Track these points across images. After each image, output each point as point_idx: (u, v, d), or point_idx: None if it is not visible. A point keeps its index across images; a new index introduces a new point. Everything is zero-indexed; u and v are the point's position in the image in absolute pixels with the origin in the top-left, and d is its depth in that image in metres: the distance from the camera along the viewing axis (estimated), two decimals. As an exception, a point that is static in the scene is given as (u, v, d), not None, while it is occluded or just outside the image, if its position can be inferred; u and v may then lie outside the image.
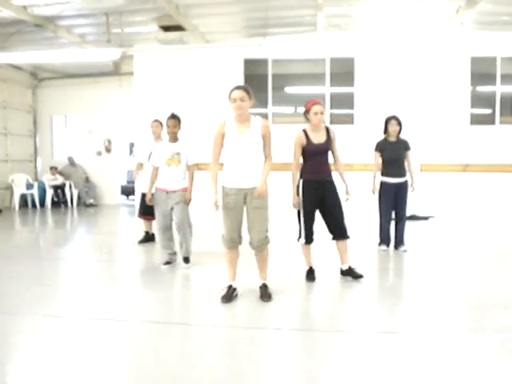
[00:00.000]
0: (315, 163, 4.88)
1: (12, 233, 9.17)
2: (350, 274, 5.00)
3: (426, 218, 9.75)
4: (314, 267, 5.03)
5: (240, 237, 4.30)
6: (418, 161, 10.10)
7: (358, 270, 5.01)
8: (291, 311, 4.08)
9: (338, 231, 4.96)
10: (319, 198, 4.87)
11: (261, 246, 4.26)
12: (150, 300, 4.53)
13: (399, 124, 6.36)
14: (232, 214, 4.22)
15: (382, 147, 6.40)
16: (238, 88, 4.17)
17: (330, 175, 4.93)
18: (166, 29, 9.47)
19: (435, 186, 10.23)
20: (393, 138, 6.39)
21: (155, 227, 6.13)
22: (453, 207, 10.15)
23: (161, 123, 6.97)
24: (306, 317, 4.07)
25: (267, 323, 3.81)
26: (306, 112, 4.90)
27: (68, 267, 5.98)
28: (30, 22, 8.93)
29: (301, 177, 4.92)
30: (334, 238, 5.00)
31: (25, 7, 8.44)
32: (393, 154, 6.33)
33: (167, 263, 5.62)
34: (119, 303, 4.35)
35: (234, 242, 4.27)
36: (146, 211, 6.72)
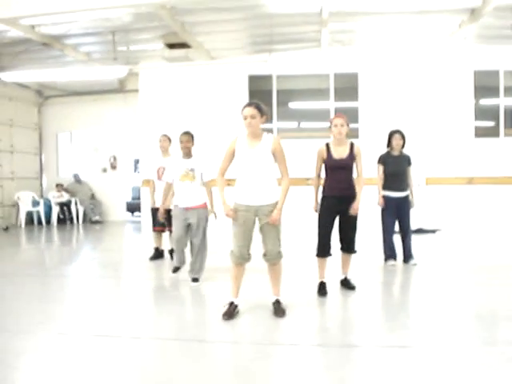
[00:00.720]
0: (335, 178, 4.91)
1: (18, 250, 9.17)
2: (344, 284, 5.16)
3: (432, 232, 9.72)
4: (325, 281, 5.02)
5: (249, 254, 4.28)
6: (423, 174, 10.13)
7: (353, 282, 5.15)
8: (305, 326, 4.05)
9: (347, 245, 5.05)
10: (337, 213, 4.92)
11: (274, 260, 4.25)
12: (160, 317, 4.51)
13: (403, 138, 6.38)
14: (242, 231, 4.21)
15: (384, 160, 6.41)
16: (249, 105, 4.16)
17: (351, 190, 4.90)
18: (172, 46, 9.57)
19: (441, 199, 10.23)
20: (396, 152, 6.40)
21: (171, 238, 6.09)
22: (459, 220, 10.13)
23: (169, 138, 7.02)
24: (320, 332, 4.04)
25: (282, 339, 3.78)
26: (330, 125, 4.96)
27: (76, 284, 5.96)
28: (37, 40, 9.04)
29: (322, 191, 4.98)
30: (341, 250, 5.10)
31: (32, 26, 8.56)
32: (395, 168, 6.34)
33: (176, 269, 5.66)
34: (130, 320, 4.33)
35: (243, 259, 4.25)
36: (159, 223, 6.70)
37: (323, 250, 4.96)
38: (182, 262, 5.70)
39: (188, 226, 5.49)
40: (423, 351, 3.41)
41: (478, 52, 10.20)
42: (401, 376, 3.03)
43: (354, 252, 5.09)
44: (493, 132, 10.53)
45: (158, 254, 7.11)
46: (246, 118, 4.11)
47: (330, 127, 4.98)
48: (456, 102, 10.42)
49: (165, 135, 7.05)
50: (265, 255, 4.28)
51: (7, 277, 6.20)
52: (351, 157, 4.92)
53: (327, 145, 5.00)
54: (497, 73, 10.36)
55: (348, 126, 4.93)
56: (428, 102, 10.42)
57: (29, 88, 12.80)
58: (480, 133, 10.50)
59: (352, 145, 4.97)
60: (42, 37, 8.97)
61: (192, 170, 5.47)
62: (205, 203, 5.50)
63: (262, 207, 4.16)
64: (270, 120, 10.76)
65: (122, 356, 3.47)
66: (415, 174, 6.79)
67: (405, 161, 6.42)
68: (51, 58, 10.43)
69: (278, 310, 4.27)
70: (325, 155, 4.96)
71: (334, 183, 4.91)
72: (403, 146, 6.41)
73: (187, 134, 5.60)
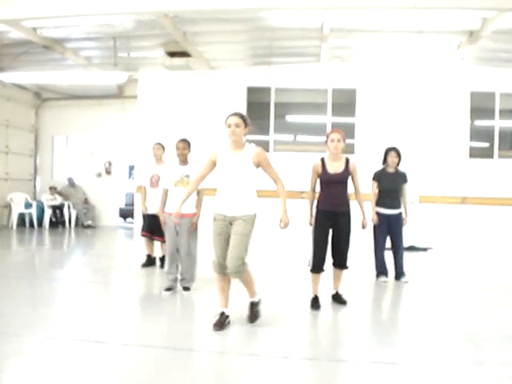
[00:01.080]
0: (330, 193, 4.93)
1: (9, 252, 9.10)
2: (336, 299, 5.16)
3: (424, 250, 9.75)
4: (318, 295, 5.02)
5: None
6: (417, 192, 10.18)
7: (344, 297, 5.16)
8: (295, 339, 4.04)
9: (339, 261, 5.06)
10: (330, 227, 4.95)
11: (235, 274, 4.12)
12: (149, 324, 4.49)
13: (398, 156, 6.42)
14: (219, 240, 4.18)
15: (379, 177, 6.44)
16: (233, 114, 4.20)
17: (345, 206, 4.92)
18: (172, 54, 9.62)
19: (434, 217, 10.28)
20: (391, 169, 6.44)
21: (162, 247, 6.07)
22: (451, 239, 10.17)
23: (162, 146, 7.06)
24: (310, 345, 4.03)
25: (271, 351, 3.76)
26: (326, 140, 4.98)
27: (66, 289, 5.93)
28: (38, 43, 9.06)
29: (317, 206, 4.99)
30: (333, 265, 5.10)
31: (34, 29, 8.58)
32: (389, 185, 6.37)
33: (168, 289, 5.50)
34: (118, 327, 4.30)
35: (222, 268, 4.17)
36: (149, 229, 6.76)
37: (317, 266, 4.96)
38: (174, 276, 5.60)
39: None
40: (412, 368, 3.41)
41: (475, 73, 10.30)
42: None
43: (346, 268, 5.10)
44: (487, 153, 10.63)
45: (150, 262, 7.09)
46: (230, 127, 4.13)
47: (326, 142, 5.00)
48: (452, 122, 10.52)
49: (158, 143, 7.09)
50: (227, 268, 4.12)
51: (-3, 278, 6.16)
52: (346, 172, 4.95)
53: (322, 160, 5.02)
54: (493, 95, 10.48)
55: (344, 141, 4.96)
56: (424, 121, 10.51)
57: (27, 90, 12.78)
58: (474, 153, 10.59)
59: (347, 160, 5.00)
60: (44, 39, 8.99)
61: (187, 176, 5.48)
62: (193, 213, 5.48)
63: (236, 218, 4.11)
64: (266, 132, 10.82)
65: (110, 362, 3.44)
66: (410, 191, 6.82)
67: (400, 178, 6.45)
68: (51, 61, 10.44)
69: (251, 314, 4.28)
70: (320, 170, 4.99)
71: (328, 198, 4.93)
72: (398, 164, 6.45)
73: (184, 141, 5.65)
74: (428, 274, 7.38)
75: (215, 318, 4.21)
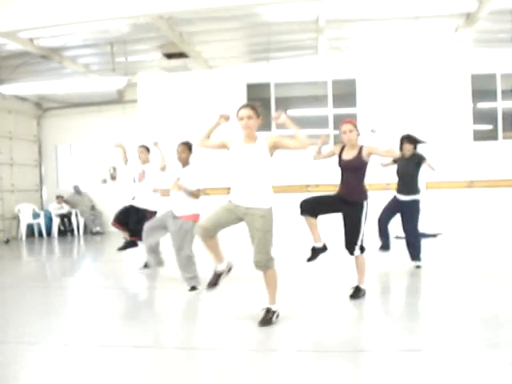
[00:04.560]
0: (344, 181, 4.97)
1: (20, 263, 9.15)
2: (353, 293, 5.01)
3: (434, 236, 9.71)
4: (317, 246, 4.92)
5: (215, 231, 4.09)
6: (424, 179, 10.14)
7: (357, 293, 4.99)
8: (310, 332, 4.04)
9: (346, 246, 4.95)
10: (339, 210, 4.92)
11: (261, 267, 4.13)
12: (163, 325, 4.50)
13: (411, 142, 6.44)
14: (221, 212, 4.11)
15: (398, 161, 6.45)
16: (245, 106, 4.14)
17: (355, 195, 4.88)
18: (170, 56, 9.63)
19: (441, 203, 10.22)
20: (407, 155, 6.46)
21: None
22: (460, 224, 10.12)
23: (146, 148, 7.11)
24: (326, 337, 4.02)
25: (286, 345, 3.77)
26: (340, 131, 5.03)
27: (78, 295, 5.95)
28: (36, 53, 9.09)
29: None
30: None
31: (31, 39, 8.60)
32: (401, 171, 6.46)
33: (146, 265, 5.99)
34: (132, 330, 4.32)
35: (205, 230, 4.06)
36: (121, 221, 6.89)
37: (308, 210, 4.88)
38: (157, 262, 5.88)
39: (164, 229, 5.65)
40: (427, 354, 3.40)
41: (475, 56, 10.24)
42: (406, 378, 3.02)
43: (352, 254, 4.95)
44: (491, 135, 10.56)
45: (127, 244, 7.01)
46: (242, 119, 4.07)
47: (340, 134, 5.02)
48: (454, 106, 10.45)
49: (142, 146, 7.16)
50: (253, 261, 4.15)
51: (9, 289, 6.19)
52: (358, 159, 4.89)
53: (343, 147, 5.06)
54: (494, 76, 10.39)
55: (357, 129, 4.96)
56: (426, 107, 10.45)
57: (28, 100, 12.83)
58: (478, 136, 10.52)
59: (361, 148, 4.95)
60: (41, 49, 9.02)
61: (178, 179, 5.61)
62: (191, 215, 5.53)
63: (250, 210, 4.04)
64: (268, 128, 10.80)
65: (126, 365, 3.46)
66: (431, 164, 6.81)
67: (413, 164, 6.44)
68: (50, 71, 10.48)
69: (263, 319, 4.15)
70: (337, 152, 5.07)
71: (342, 186, 4.98)
72: (415, 148, 6.48)
73: (183, 144, 5.74)
74: (439, 260, 7.35)
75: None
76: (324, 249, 4.95)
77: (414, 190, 6.38)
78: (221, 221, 4.10)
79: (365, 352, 3.56)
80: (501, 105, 10.46)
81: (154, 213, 6.65)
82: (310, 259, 4.96)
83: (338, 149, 5.10)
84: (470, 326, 4.10)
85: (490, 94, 10.48)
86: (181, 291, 5.58)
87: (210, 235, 4.08)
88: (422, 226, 9.39)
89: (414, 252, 6.43)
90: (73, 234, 12.62)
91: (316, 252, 4.93)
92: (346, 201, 4.89)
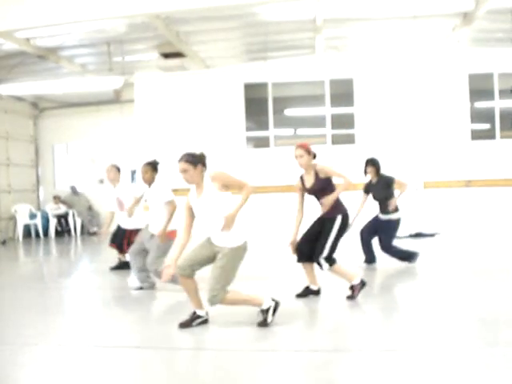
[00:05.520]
0: (318, 202, 4.96)
1: (17, 263, 9.12)
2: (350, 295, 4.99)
3: (431, 235, 9.72)
4: (311, 287, 5.07)
5: (192, 270, 4.09)
6: (421, 178, 10.16)
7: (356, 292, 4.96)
8: (310, 332, 4.03)
9: (313, 258, 4.89)
10: (319, 228, 4.95)
11: (215, 304, 4.00)
12: (158, 326, 4.47)
13: (373, 165, 6.61)
14: (198, 249, 4.15)
15: (367, 189, 6.70)
16: (179, 160, 4.03)
17: (331, 212, 4.86)
18: (167, 56, 9.61)
19: (439, 202, 10.24)
20: (374, 180, 6.66)
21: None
22: (458, 223, 10.13)
23: (116, 167, 6.89)
24: (326, 338, 4.01)
25: (276, 345, 3.76)
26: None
27: (75, 296, 5.94)
28: (33, 53, 9.05)
29: None
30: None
31: (27, 39, 8.56)
32: (374, 194, 6.65)
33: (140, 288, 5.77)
34: (128, 330, 4.30)
35: (181, 270, 4.06)
36: (117, 241, 7.03)
37: (298, 257, 4.99)
38: (149, 283, 5.79)
39: (145, 251, 5.65)
40: (425, 353, 3.39)
41: (472, 55, 10.25)
42: (401, 377, 3.01)
43: (315, 261, 4.87)
44: (489, 134, 10.57)
45: (121, 265, 7.15)
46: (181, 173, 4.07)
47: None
48: (451, 106, 10.46)
49: (112, 165, 6.91)
50: (207, 300, 4.04)
51: (6, 290, 6.16)
52: (318, 182, 4.86)
53: (301, 177, 5.02)
54: (491, 75, 10.41)
55: (309, 153, 4.84)
56: (424, 106, 10.45)
57: (24, 100, 12.79)
58: (476, 135, 10.53)
59: (315, 170, 4.87)
60: (37, 49, 8.98)
61: (148, 199, 5.76)
62: (168, 232, 5.50)
63: (217, 248, 4.07)
64: (266, 127, 10.79)
65: (125, 366, 3.44)
66: (408, 179, 6.97)
67: (382, 186, 6.59)
68: (46, 70, 10.44)
69: (261, 321, 4.12)
70: (300, 185, 5.02)
71: (319, 206, 4.98)
72: (378, 171, 6.62)
73: (146, 164, 5.81)
74: (437, 259, 7.35)
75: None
76: (317, 292, 5.06)
77: (386, 210, 6.53)
78: (197, 259, 4.11)
79: (365, 352, 3.54)
80: (498, 104, 10.47)
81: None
82: (299, 295, 5.03)
83: (298, 182, 5.02)
84: (466, 325, 4.08)
85: (488, 94, 10.50)
86: (178, 292, 5.55)
87: (186, 274, 4.08)
88: (419, 227, 9.51)
89: (400, 258, 6.60)
90: (70, 235, 12.58)
91: (309, 292, 5.05)
92: (323, 219, 4.93)
